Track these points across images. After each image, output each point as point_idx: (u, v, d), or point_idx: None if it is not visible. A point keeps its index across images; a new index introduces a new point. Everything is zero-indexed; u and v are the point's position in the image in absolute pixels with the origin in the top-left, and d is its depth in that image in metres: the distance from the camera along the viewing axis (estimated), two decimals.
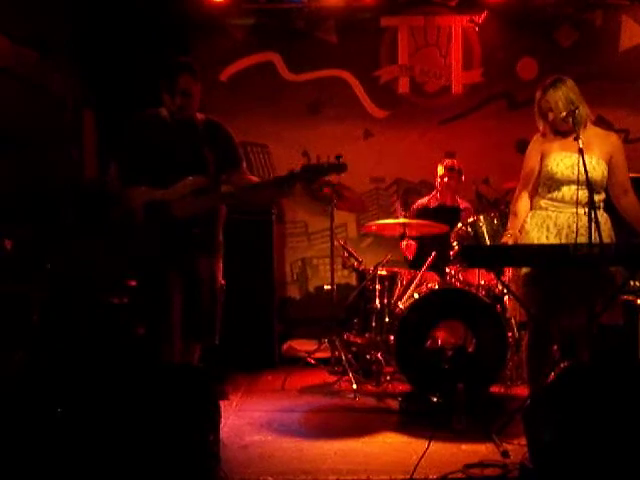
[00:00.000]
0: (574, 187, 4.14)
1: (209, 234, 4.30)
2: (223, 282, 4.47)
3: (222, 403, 4.58)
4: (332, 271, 6.00)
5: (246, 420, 4.80)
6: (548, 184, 4.25)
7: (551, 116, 4.20)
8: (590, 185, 3.94)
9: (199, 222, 4.20)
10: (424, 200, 6.43)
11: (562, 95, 4.17)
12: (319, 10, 7.17)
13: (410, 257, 6.08)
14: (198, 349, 4.34)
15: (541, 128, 4.31)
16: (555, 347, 4.31)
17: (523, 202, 4.34)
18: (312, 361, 6.13)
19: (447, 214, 6.18)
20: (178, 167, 4.18)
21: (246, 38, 7.35)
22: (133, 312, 5.03)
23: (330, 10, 7.16)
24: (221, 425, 3.82)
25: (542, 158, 4.29)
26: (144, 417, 3.38)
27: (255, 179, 4.49)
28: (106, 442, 3.34)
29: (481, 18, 7.27)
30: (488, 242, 5.11)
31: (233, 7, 7.10)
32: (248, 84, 7.34)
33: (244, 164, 4.46)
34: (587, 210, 3.92)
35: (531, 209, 4.33)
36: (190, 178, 4.17)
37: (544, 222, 4.22)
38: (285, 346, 6.78)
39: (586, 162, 3.94)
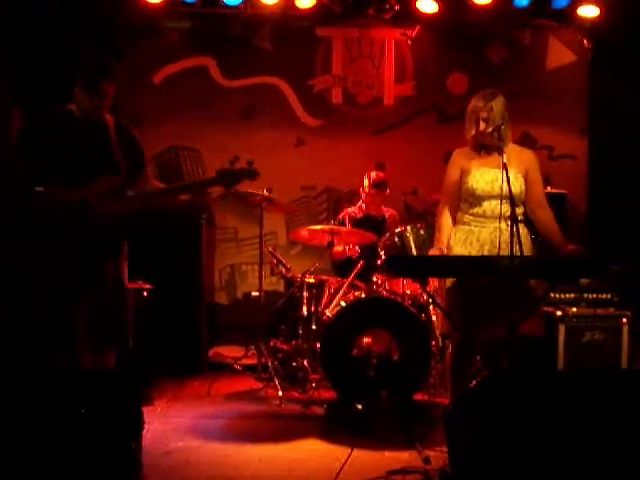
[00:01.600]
0: (494, 202, 4.23)
1: (116, 236, 4.22)
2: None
3: (146, 409, 4.58)
4: (260, 278, 6.01)
5: (171, 426, 4.77)
6: (469, 200, 4.33)
7: (482, 126, 4.26)
8: (512, 199, 4.03)
9: (115, 224, 4.13)
10: (350, 210, 6.46)
11: (500, 109, 4.26)
12: (255, 17, 7.16)
13: (354, 256, 6.05)
14: (112, 355, 4.22)
15: (469, 137, 4.38)
16: (478, 357, 4.40)
17: (445, 217, 4.41)
18: (239, 367, 6.12)
19: (373, 224, 6.24)
20: (91, 168, 4.09)
21: (181, 41, 7.30)
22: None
23: (266, 17, 7.16)
24: (144, 431, 3.77)
25: (462, 174, 4.36)
26: (59, 425, 3.30)
27: (160, 185, 4.45)
28: (20, 451, 3.25)
29: (414, 32, 7.38)
30: (415, 252, 5.19)
31: (169, 10, 7.01)
32: (182, 88, 7.29)
33: (148, 169, 4.41)
34: (509, 223, 4.01)
35: (455, 224, 4.40)
36: (107, 178, 4.10)
37: (467, 238, 4.30)
38: (212, 352, 6.75)
39: (503, 178, 4.01)
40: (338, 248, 6.04)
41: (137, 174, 4.30)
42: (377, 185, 6.30)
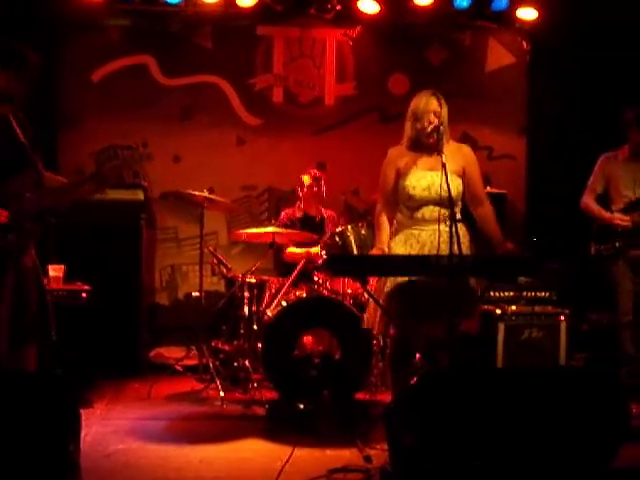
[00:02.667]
0: (432, 206, 4.25)
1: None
2: None
3: (86, 411, 4.53)
4: (201, 278, 5.98)
5: (110, 428, 4.71)
6: (407, 204, 4.33)
7: (433, 119, 4.24)
8: (451, 202, 4.04)
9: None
10: (289, 211, 6.45)
11: (446, 107, 4.29)
12: (195, 15, 7.10)
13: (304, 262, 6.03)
14: (33, 350, 4.01)
15: (412, 136, 4.36)
16: (417, 355, 4.44)
17: (384, 216, 4.41)
18: (180, 368, 6.07)
19: (312, 224, 6.24)
20: (5, 164, 3.93)
21: (120, 39, 7.20)
22: None
23: (207, 15, 7.11)
24: (83, 434, 3.73)
25: (399, 176, 4.35)
26: None
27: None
28: None
29: (355, 32, 7.42)
30: (355, 252, 5.21)
31: (108, 7, 6.92)
32: (121, 86, 7.19)
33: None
34: (449, 224, 4.03)
35: (395, 225, 4.41)
36: (29, 173, 3.97)
37: (408, 239, 4.30)
38: (153, 353, 6.69)
39: (442, 179, 4.04)
40: (291, 250, 6.02)
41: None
42: (317, 178, 6.29)
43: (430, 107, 4.26)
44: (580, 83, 7.03)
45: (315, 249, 5.76)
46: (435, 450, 3.37)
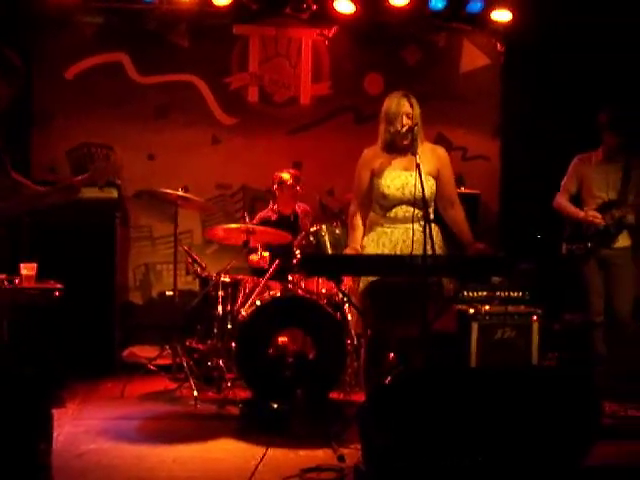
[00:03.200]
0: (405, 206, 4.29)
1: None
2: None
3: (58, 411, 4.50)
4: (175, 277, 5.95)
5: (83, 428, 4.68)
6: (381, 203, 4.37)
7: (406, 121, 4.28)
8: (425, 202, 4.08)
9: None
10: (264, 213, 6.43)
11: (418, 108, 4.31)
12: (171, 13, 7.08)
13: (266, 266, 6.05)
14: None
15: (386, 137, 4.39)
16: (391, 354, 4.45)
17: (358, 217, 4.46)
18: (153, 368, 6.04)
19: (287, 223, 6.24)
20: None
21: (95, 37, 7.14)
22: None
23: (182, 14, 7.09)
24: (55, 434, 3.71)
25: (373, 176, 4.40)
26: None
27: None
28: None
29: (331, 32, 7.43)
30: (330, 251, 5.22)
31: (81, 4, 6.89)
32: (95, 83, 7.14)
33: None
34: (422, 223, 4.05)
35: (369, 224, 4.44)
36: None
37: (380, 238, 4.34)
38: (126, 352, 6.66)
39: (416, 180, 4.07)
40: (253, 257, 6.00)
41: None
42: (296, 177, 6.29)
43: (402, 109, 4.29)
44: (553, 84, 7.09)
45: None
46: (408, 450, 3.38)
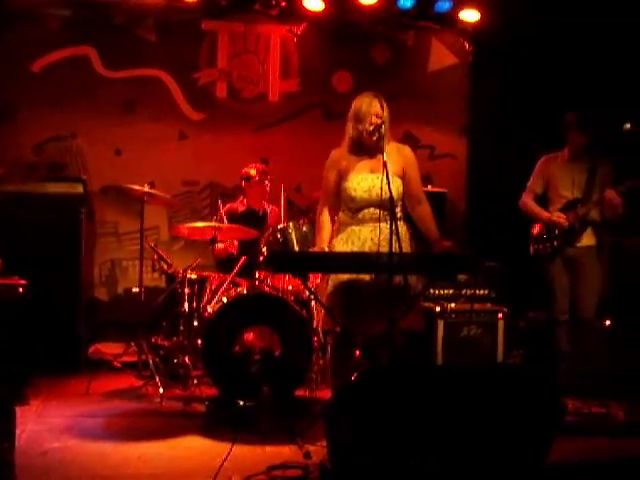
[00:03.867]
0: (373, 208, 4.30)
1: None
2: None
3: (21, 408, 4.45)
4: (141, 273, 5.92)
5: (46, 426, 4.64)
6: (349, 205, 4.38)
7: (376, 120, 4.31)
8: (392, 203, 4.11)
9: None
10: (232, 205, 6.43)
11: (385, 108, 4.32)
12: (139, 7, 7.03)
13: (235, 252, 6.03)
14: None
15: (353, 137, 4.40)
16: (357, 352, 4.46)
17: (325, 216, 4.46)
18: (118, 365, 6.00)
19: (255, 218, 6.23)
20: None
21: (61, 30, 7.07)
22: None
23: (150, 8, 7.03)
24: (18, 432, 3.68)
25: (340, 176, 4.41)
26: None
27: None
28: None
29: (300, 29, 7.43)
30: (297, 248, 5.22)
31: None
32: (61, 77, 7.07)
33: None
34: (389, 223, 4.07)
35: (337, 224, 4.45)
36: None
37: (349, 237, 4.35)
38: (91, 349, 6.60)
39: (383, 180, 4.07)
40: (219, 245, 6.00)
41: None
42: (263, 172, 6.28)
43: (372, 109, 4.30)
44: (521, 84, 7.15)
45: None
46: (373, 447, 3.39)
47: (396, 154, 4.40)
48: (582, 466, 4.02)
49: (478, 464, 3.52)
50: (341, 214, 4.44)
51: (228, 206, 6.38)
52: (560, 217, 5.64)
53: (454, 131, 7.73)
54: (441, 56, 7.72)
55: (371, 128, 4.25)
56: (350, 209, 4.38)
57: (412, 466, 3.40)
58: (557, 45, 6.79)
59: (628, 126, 5.46)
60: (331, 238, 4.41)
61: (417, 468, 3.41)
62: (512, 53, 7.16)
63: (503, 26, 7.06)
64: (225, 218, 6.09)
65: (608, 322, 6.06)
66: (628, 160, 5.67)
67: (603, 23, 6.39)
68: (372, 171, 4.30)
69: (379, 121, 4.26)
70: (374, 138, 4.27)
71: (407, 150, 4.54)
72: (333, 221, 4.45)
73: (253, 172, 6.26)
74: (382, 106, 4.30)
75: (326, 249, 4.33)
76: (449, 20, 7.38)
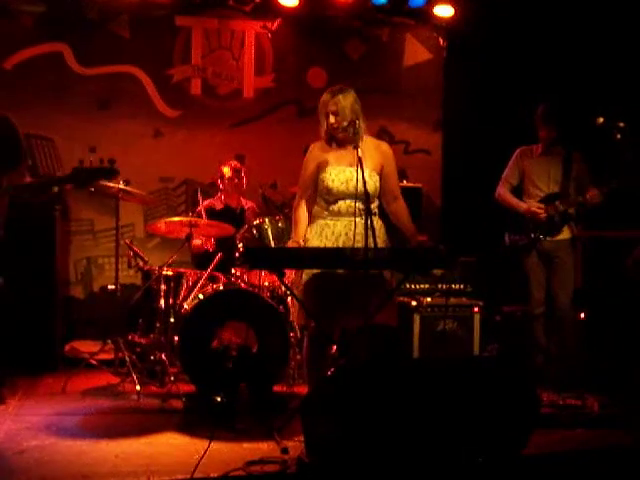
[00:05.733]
0: (349, 200, 4.34)
1: None
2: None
3: None
4: (117, 270, 5.89)
5: (23, 425, 4.60)
6: (325, 197, 4.42)
7: (332, 120, 4.35)
8: (367, 197, 4.13)
9: None
10: (211, 201, 6.43)
11: (349, 103, 4.35)
12: (112, 3, 7.00)
13: (211, 248, 6.02)
14: None
15: (322, 132, 4.45)
16: (334, 347, 4.48)
17: (302, 210, 4.49)
18: (95, 362, 5.97)
19: (232, 215, 6.24)
20: None
21: (34, 26, 7.01)
22: None
23: (123, 4, 7.01)
24: None
25: (319, 169, 4.44)
26: None
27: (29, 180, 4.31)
28: None
29: (274, 25, 7.42)
30: (273, 244, 5.23)
31: None
32: (35, 74, 7.01)
33: (25, 163, 4.24)
34: (364, 218, 4.10)
35: (312, 218, 4.48)
36: None
37: (323, 231, 4.39)
38: (67, 347, 6.58)
39: (358, 175, 4.09)
40: (196, 241, 6.01)
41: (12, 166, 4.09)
42: (237, 170, 6.30)
43: (326, 108, 4.38)
44: (494, 79, 7.19)
45: None
46: (350, 441, 3.41)
47: (374, 150, 4.45)
48: (558, 457, 4.06)
49: (455, 455, 3.55)
50: (316, 207, 4.47)
51: (207, 202, 6.38)
52: (539, 208, 5.69)
53: (428, 126, 7.78)
54: (415, 51, 7.76)
55: (345, 123, 4.29)
56: (326, 201, 4.40)
57: (389, 459, 3.42)
58: (531, 40, 6.85)
59: (601, 120, 5.50)
60: (305, 231, 4.44)
61: (394, 461, 3.44)
62: (485, 48, 7.20)
63: (477, 22, 7.11)
64: (204, 214, 6.09)
65: (583, 315, 6.12)
66: (601, 153, 5.73)
67: (576, 18, 6.45)
68: (350, 164, 4.33)
69: (335, 118, 4.31)
70: (345, 134, 4.31)
71: (385, 147, 4.58)
72: (310, 214, 4.48)
73: (226, 170, 6.28)
74: (337, 102, 4.33)
75: (301, 243, 4.36)
76: (423, 15, 7.42)
